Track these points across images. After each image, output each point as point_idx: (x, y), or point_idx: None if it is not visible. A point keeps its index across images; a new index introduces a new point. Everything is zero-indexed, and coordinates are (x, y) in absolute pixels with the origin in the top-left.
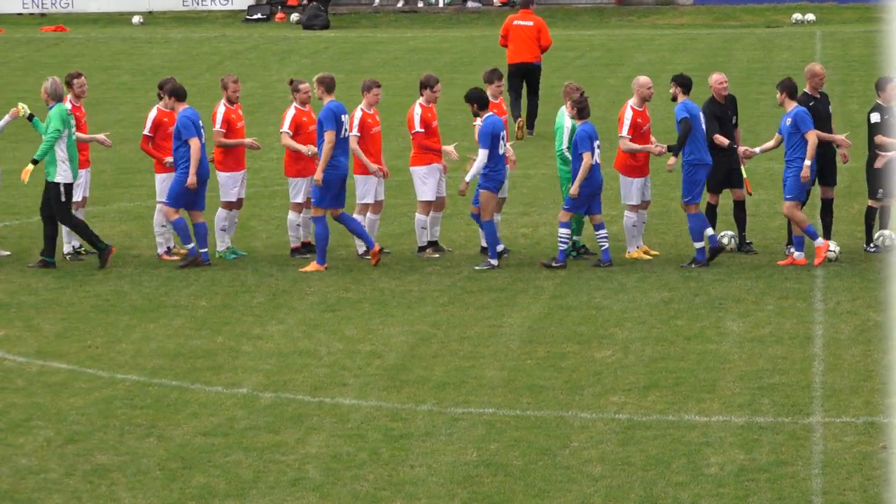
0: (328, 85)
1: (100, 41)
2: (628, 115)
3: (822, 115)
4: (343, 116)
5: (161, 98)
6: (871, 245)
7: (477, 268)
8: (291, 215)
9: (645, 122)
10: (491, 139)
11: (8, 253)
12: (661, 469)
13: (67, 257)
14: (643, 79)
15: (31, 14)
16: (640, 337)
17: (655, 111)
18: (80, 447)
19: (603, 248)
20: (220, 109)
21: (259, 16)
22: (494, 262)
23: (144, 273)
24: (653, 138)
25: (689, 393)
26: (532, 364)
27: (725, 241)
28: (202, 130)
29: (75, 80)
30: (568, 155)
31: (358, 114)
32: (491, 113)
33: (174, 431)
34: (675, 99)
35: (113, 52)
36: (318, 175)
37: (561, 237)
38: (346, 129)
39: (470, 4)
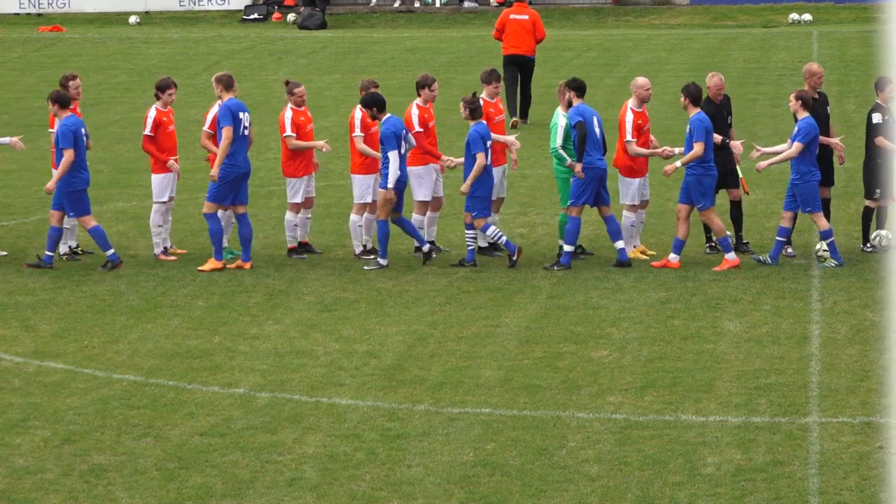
0: (226, 83)
1: (97, 41)
2: (629, 118)
3: (820, 116)
4: (241, 114)
5: (158, 98)
6: (868, 245)
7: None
8: (288, 215)
9: (645, 123)
10: (395, 140)
11: (5, 253)
12: (658, 469)
13: (64, 257)
14: (641, 80)
15: (28, 14)
16: (637, 337)
17: (654, 111)
18: (77, 447)
19: (469, 247)
20: (213, 110)
21: (256, 16)
22: (384, 261)
23: (141, 273)
24: (652, 138)
25: (686, 393)
26: (529, 364)
27: None
28: (85, 139)
29: (70, 83)
30: (561, 152)
31: (358, 114)
32: (390, 115)
33: (171, 431)
34: (570, 104)
35: (110, 52)
36: (215, 171)
37: (467, 236)
38: (244, 128)
39: (466, 4)
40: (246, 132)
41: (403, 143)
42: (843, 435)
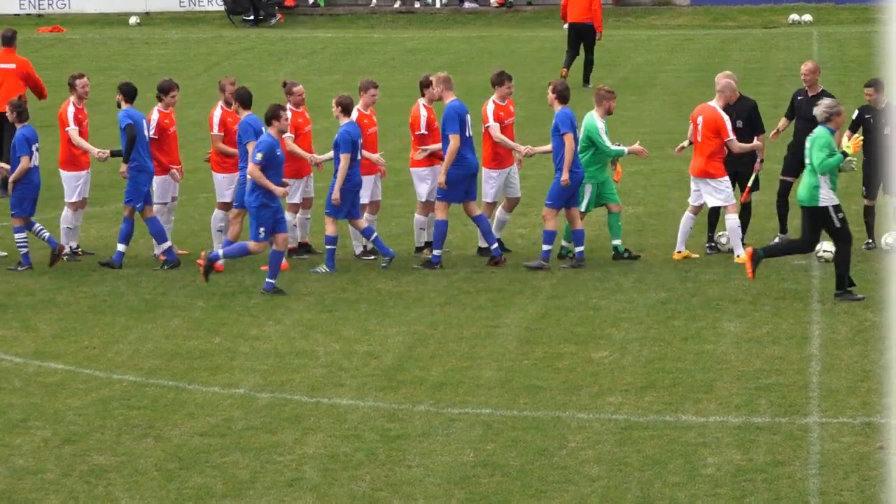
0: None
1: (97, 42)
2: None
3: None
4: None
5: (161, 100)
6: (870, 242)
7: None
8: (287, 216)
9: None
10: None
11: (5, 253)
12: (658, 469)
13: (65, 258)
14: (727, 77)
15: (28, 15)
16: (638, 337)
17: (655, 112)
18: (78, 448)
19: (22, 252)
20: (217, 112)
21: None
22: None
23: (141, 274)
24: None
25: (686, 393)
26: (529, 364)
27: (724, 240)
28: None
29: (78, 81)
30: (616, 148)
31: (354, 114)
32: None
33: (171, 432)
34: (119, 105)
35: (110, 53)
36: None
37: (18, 241)
38: None
39: (467, 5)
40: None
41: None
42: (844, 435)
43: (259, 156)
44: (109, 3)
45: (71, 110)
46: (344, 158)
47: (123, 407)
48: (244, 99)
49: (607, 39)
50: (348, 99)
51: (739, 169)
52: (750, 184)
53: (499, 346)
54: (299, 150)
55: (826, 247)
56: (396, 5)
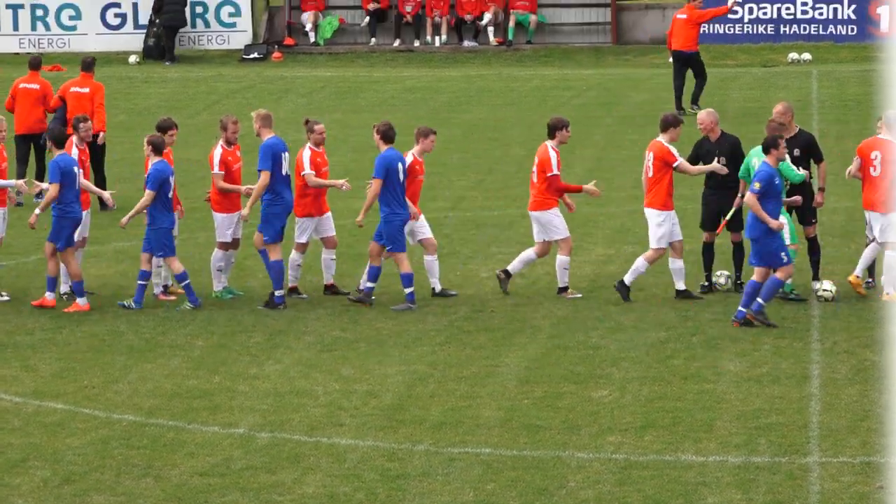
0: None
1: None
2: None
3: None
4: None
5: None
6: (869, 281)
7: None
8: (294, 255)
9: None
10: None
11: (7, 298)
12: None
13: (64, 297)
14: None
15: (28, 53)
16: (637, 376)
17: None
18: (77, 487)
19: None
20: (217, 151)
21: (255, 55)
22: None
23: (141, 313)
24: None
25: (686, 433)
26: (529, 404)
27: (723, 280)
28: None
29: (81, 125)
30: (803, 172)
31: (409, 159)
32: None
33: (171, 472)
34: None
35: (109, 92)
36: None
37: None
38: None
39: (466, 44)
40: None
41: None
42: (844, 475)
43: (757, 185)
44: (109, 41)
45: (74, 153)
46: (148, 196)
47: (123, 447)
48: (58, 139)
49: (607, 78)
50: (159, 138)
51: (724, 207)
52: (728, 217)
53: (499, 386)
54: (324, 182)
55: (826, 286)
56: (395, 44)
